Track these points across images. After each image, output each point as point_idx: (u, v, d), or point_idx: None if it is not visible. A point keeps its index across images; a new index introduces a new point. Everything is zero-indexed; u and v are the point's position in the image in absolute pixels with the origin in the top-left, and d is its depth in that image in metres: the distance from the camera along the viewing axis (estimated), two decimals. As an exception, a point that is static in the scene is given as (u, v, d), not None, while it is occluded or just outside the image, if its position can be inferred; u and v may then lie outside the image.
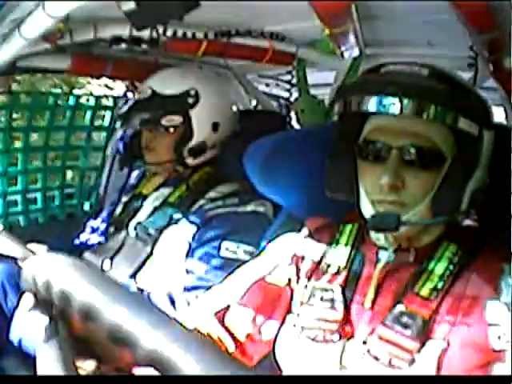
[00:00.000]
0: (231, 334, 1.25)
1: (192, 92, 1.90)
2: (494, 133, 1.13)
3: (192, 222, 1.82)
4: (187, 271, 1.77)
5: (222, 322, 1.26)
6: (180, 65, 2.22)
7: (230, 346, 1.24)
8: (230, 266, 1.65)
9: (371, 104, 1.05)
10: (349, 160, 1.19)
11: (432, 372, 1.03)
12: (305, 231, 1.33)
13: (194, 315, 1.30)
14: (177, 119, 1.90)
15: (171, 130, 1.91)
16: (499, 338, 1.00)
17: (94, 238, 2.12)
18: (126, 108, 1.98)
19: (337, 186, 1.21)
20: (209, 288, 1.58)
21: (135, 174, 2.21)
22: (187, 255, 1.80)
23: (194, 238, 1.80)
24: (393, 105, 1.03)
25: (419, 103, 1.02)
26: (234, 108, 2.09)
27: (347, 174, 1.19)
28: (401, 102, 1.02)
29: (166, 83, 1.93)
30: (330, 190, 1.23)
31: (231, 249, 1.75)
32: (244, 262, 1.42)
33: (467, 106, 1.06)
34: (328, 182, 1.23)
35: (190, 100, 1.90)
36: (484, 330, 1.02)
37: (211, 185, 1.91)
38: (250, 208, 1.83)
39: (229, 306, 1.28)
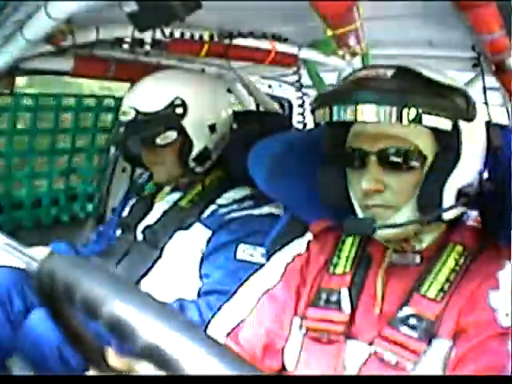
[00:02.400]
0: (247, 351, 1.24)
1: (178, 101, 1.80)
2: (477, 123, 1.12)
3: (207, 227, 1.79)
4: (203, 275, 1.75)
5: (236, 340, 1.24)
6: (175, 67, 2.20)
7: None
8: (247, 269, 1.61)
9: (336, 114, 1.06)
10: (339, 168, 1.19)
11: (438, 372, 1.03)
12: (309, 235, 1.33)
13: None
14: (171, 135, 1.81)
15: (168, 145, 1.82)
16: (507, 315, 1.01)
17: (101, 242, 2.12)
18: (119, 133, 1.92)
19: (330, 195, 1.21)
20: (225, 292, 1.53)
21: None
22: (202, 259, 1.77)
23: (208, 242, 1.78)
24: (355, 112, 1.03)
25: (376, 107, 1.02)
26: (230, 102, 1.99)
27: (338, 182, 1.19)
28: (360, 108, 1.02)
29: (148, 99, 1.81)
30: (324, 198, 1.23)
31: (248, 252, 1.72)
32: (261, 266, 1.40)
33: (430, 101, 1.04)
34: (321, 190, 1.23)
35: (178, 110, 1.79)
36: (491, 315, 1.03)
37: (224, 189, 1.87)
38: (265, 210, 1.80)
39: (241, 323, 1.27)
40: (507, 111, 2.15)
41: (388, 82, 1.08)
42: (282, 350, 1.24)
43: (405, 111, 1.01)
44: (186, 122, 1.81)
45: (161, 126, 1.81)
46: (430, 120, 1.03)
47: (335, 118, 1.06)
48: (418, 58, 1.89)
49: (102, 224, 2.33)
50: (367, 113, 1.02)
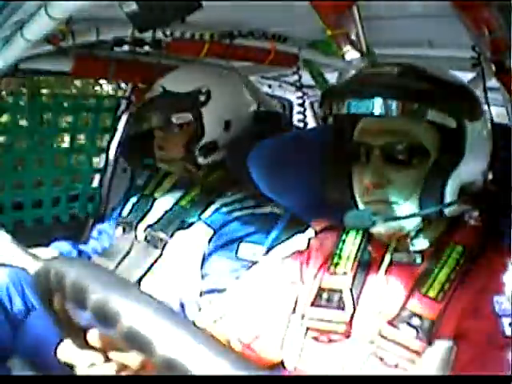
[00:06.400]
0: (235, 337, 1.25)
1: (203, 90, 1.88)
2: (483, 124, 1.13)
3: (209, 226, 1.81)
4: (204, 275, 1.76)
5: (226, 326, 1.26)
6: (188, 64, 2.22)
7: (237, 347, 1.24)
8: (248, 268, 1.64)
9: (343, 107, 1.07)
10: (343, 163, 1.19)
11: (438, 372, 1.03)
12: (310, 232, 1.33)
13: (202, 320, 1.30)
14: (187, 116, 1.88)
15: (182, 127, 1.89)
16: (510, 324, 1.01)
17: (102, 241, 2.12)
18: (136, 107, 1.98)
19: (334, 190, 1.22)
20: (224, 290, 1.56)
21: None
22: (204, 259, 1.78)
23: (210, 241, 1.79)
24: (361, 106, 1.05)
25: (382, 101, 1.03)
26: (250, 107, 2.06)
27: (342, 177, 1.19)
28: (367, 101, 1.04)
29: (178, 81, 1.93)
30: (328, 194, 1.23)
31: (250, 251, 1.74)
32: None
33: (436, 97, 1.06)
34: (325, 186, 1.23)
35: (202, 98, 1.88)
36: (495, 322, 1.02)
37: (226, 188, 1.89)
38: (267, 210, 1.81)
39: (236, 311, 1.28)
40: (507, 111, 2.15)
41: (394, 78, 1.10)
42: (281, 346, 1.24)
43: (409, 105, 1.03)
44: (205, 111, 1.88)
45: (180, 106, 1.88)
46: (434, 115, 1.04)
47: (340, 111, 1.08)
48: (418, 58, 1.89)
49: (102, 223, 2.33)
50: (373, 106, 1.04)
